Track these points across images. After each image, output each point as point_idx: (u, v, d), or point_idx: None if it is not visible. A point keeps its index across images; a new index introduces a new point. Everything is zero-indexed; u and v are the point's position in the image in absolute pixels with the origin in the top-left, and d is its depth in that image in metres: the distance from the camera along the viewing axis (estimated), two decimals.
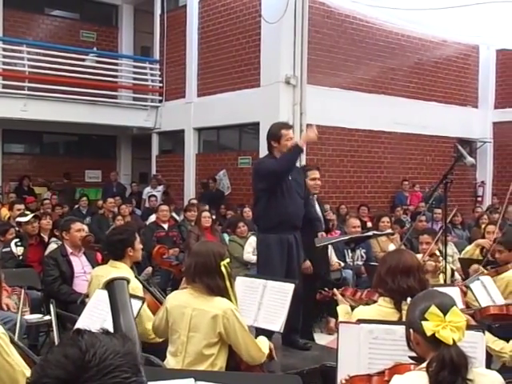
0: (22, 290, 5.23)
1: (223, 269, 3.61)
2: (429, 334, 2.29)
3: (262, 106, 11.98)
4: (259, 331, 4.27)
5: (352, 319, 3.32)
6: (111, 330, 1.61)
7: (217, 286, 3.60)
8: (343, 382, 2.75)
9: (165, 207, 9.97)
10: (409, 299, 3.22)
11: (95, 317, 3.75)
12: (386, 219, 8.74)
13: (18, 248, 6.91)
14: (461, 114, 14.90)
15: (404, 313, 3.16)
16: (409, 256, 3.45)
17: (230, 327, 3.54)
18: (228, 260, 3.72)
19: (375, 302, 3.53)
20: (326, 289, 4.44)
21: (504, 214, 10.36)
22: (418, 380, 2.27)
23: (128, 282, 1.81)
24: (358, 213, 10.91)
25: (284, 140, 5.61)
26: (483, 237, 6.63)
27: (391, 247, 7.97)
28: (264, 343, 3.76)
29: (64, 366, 1.15)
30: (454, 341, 2.26)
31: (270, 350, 3.82)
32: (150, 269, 8.09)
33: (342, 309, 3.79)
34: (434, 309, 2.31)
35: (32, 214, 7.75)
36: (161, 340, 3.94)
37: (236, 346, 3.59)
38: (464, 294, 4.47)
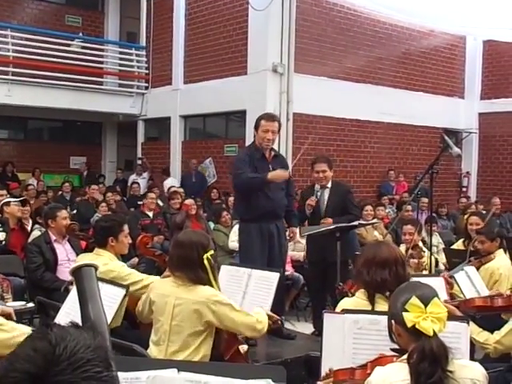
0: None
1: (206, 262, 3.59)
2: (409, 325, 2.30)
3: (248, 94, 11.93)
4: None
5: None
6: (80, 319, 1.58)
7: (199, 278, 3.59)
8: (327, 372, 2.74)
9: (152, 195, 9.90)
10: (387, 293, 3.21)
11: (78, 305, 3.71)
12: (369, 207, 8.65)
13: (0, 233, 6.85)
14: (447, 105, 14.92)
15: (376, 306, 3.15)
16: (386, 249, 3.31)
17: (220, 313, 3.52)
18: (212, 252, 3.68)
19: None
20: (341, 283, 4.42)
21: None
22: (398, 371, 2.29)
23: (96, 268, 1.78)
24: None
25: (260, 130, 5.76)
26: (465, 227, 6.62)
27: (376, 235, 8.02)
28: (261, 313, 3.73)
29: (33, 359, 1.11)
30: (434, 332, 2.28)
31: (269, 316, 3.78)
32: (135, 259, 8.05)
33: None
34: (414, 300, 2.32)
35: (22, 198, 7.79)
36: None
37: (234, 327, 3.59)
38: (450, 285, 4.47)
